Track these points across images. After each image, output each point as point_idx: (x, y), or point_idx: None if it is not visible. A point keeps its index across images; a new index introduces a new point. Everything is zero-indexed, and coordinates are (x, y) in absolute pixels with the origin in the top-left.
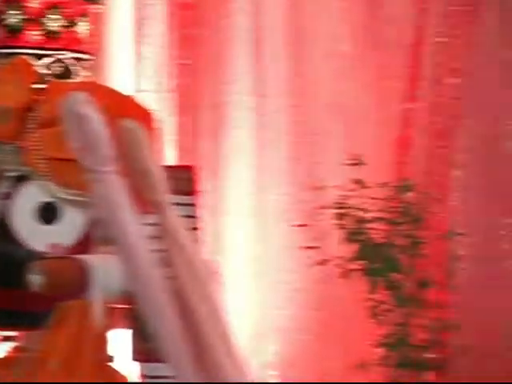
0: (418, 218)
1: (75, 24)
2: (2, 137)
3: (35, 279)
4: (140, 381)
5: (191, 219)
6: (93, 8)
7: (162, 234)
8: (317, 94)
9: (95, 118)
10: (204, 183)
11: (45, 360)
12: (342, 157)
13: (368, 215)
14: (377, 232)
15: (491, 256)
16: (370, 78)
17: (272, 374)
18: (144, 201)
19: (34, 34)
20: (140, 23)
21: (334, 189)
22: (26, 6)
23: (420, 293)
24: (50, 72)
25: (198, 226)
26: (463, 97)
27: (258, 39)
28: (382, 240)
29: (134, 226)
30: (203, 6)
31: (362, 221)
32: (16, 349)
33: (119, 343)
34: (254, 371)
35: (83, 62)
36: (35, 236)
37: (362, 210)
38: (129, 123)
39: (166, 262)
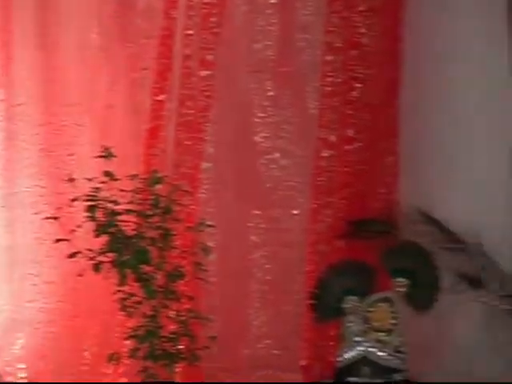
0: (167, 210)
1: None
2: None
3: None
4: None
5: None
6: None
7: None
8: (67, 85)
9: None
10: None
11: None
12: (92, 149)
13: (118, 207)
14: (127, 224)
15: (240, 247)
16: (121, 70)
17: (21, 367)
18: None
19: None
20: None
21: (85, 181)
22: None
23: (170, 285)
24: None
25: None
26: (213, 89)
27: (7, 30)
28: (132, 232)
29: None
30: None
31: (112, 213)
32: None
33: None
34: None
35: None
36: None
37: (112, 202)
38: None
39: None
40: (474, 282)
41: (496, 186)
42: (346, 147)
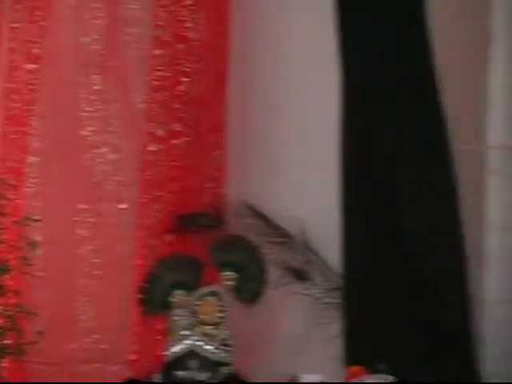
0: None
1: None
2: None
3: None
4: None
5: None
6: None
7: None
8: None
9: None
10: None
11: None
12: None
13: None
14: None
15: (67, 242)
16: None
17: None
18: None
19: None
20: None
21: None
22: None
23: None
24: None
25: None
26: (39, 83)
27: None
28: None
29: None
30: None
31: None
32: None
33: None
34: None
35: None
36: None
37: None
38: None
39: None
40: (300, 276)
41: (324, 182)
42: (174, 141)
